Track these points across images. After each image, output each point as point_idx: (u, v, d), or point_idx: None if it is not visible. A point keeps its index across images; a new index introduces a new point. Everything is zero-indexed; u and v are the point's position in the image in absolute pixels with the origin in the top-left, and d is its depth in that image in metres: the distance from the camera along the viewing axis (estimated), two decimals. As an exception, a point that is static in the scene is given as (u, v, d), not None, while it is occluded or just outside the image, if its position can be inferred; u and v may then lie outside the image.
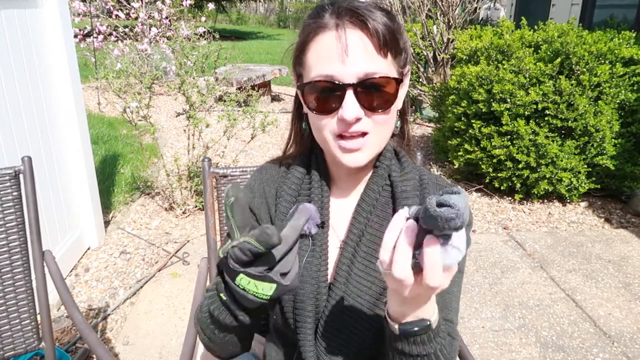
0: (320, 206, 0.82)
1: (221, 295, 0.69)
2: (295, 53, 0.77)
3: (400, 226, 0.56)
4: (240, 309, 0.68)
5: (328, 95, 0.72)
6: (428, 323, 0.63)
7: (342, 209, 0.85)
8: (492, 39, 3.52)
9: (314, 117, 0.76)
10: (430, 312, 0.64)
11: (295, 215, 0.66)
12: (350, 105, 0.70)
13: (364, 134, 0.73)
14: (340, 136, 0.74)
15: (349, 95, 0.70)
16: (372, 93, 0.71)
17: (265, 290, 0.62)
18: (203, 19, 6.27)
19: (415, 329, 0.63)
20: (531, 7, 7.76)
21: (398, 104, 0.79)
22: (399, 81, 0.73)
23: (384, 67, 0.71)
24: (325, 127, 0.74)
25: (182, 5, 6.07)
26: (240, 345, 0.79)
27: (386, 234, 0.57)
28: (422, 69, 5.15)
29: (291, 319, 0.81)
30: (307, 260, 0.80)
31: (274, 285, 0.62)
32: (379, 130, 0.74)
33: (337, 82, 0.70)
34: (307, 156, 0.87)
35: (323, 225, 0.82)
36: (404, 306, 0.62)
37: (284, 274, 0.63)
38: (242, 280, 0.62)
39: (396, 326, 0.64)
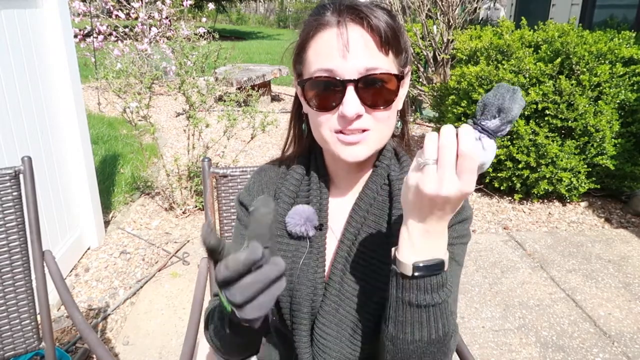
0: (319, 208, 0.82)
1: (225, 305, 0.62)
2: (296, 51, 0.77)
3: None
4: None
5: (328, 91, 0.72)
6: (441, 261, 0.62)
7: (340, 210, 0.85)
8: (492, 39, 3.52)
9: (314, 115, 0.76)
10: (442, 249, 0.62)
11: (251, 247, 0.53)
12: (351, 102, 0.70)
13: (364, 131, 0.73)
14: (340, 132, 0.73)
15: (350, 91, 0.70)
16: (373, 89, 0.71)
17: (225, 303, 0.57)
18: (204, 19, 6.27)
19: (430, 266, 0.61)
20: (531, 7, 7.76)
21: (398, 103, 0.79)
22: (400, 78, 0.73)
23: (385, 63, 0.71)
24: (325, 124, 0.74)
25: (182, 5, 6.07)
26: (249, 349, 0.78)
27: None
28: (422, 69, 5.15)
29: (288, 320, 0.81)
30: (304, 262, 0.80)
31: (229, 306, 0.57)
32: (379, 127, 0.74)
33: (337, 78, 0.70)
34: (306, 157, 0.87)
35: (321, 227, 0.81)
36: (419, 236, 0.61)
37: (244, 303, 0.54)
38: (222, 296, 0.58)
39: (409, 263, 0.61)
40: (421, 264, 0.61)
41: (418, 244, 0.61)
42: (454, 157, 0.55)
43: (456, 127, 0.56)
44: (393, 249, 0.65)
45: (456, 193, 0.56)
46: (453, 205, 0.58)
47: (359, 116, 0.71)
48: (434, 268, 0.61)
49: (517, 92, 0.56)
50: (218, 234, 0.59)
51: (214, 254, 0.55)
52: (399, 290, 0.63)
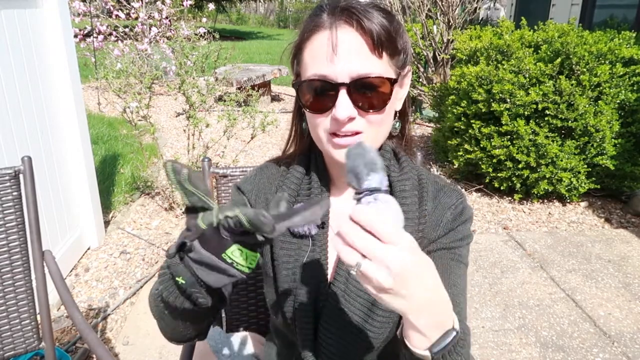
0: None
1: (178, 279, 0.61)
2: (293, 52, 0.78)
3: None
4: (202, 290, 0.62)
5: (322, 94, 0.72)
6: (455, 333, 0.57)
7: (342, 210, 0.85)
8: (492, 39, 3.52)
9: (310, 116, 0.76)
10: (449, 316, 0.58)
11: (313, 209, 0.56)
12: (343, 105, 0.70)
13: (356, 133, 0.73)
14: (334, 134, 0.74)
15: (342, 94, 0.70)
16: (366, 93, 0.71)
17: (252, 262, 0.58)
18: (204, 19, 6.27)
19: (446, 343, 0.56)
20: (531, 7, 7.76)
21: (397, 104, 0.79)
22: (393, 81, 0.73)
23: (378, 67, 0.71)
24: (319, 126, 0.75)
25: (182, 5, 6.07)
26: (193, 328, 0.75)
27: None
28: (422, 69, 5.15)
29: (291, 320, 0.81)
30: (306, 261, 0.80)
31: (258, 255, 0.58)
32: (372, 130, 0.74)
33: (330, 82, 0.70)
34: (306, 156, 0.87)
35: (323, 225, 0.82)
36: (419, 321, 0.55)
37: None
38: (235, 252, 0.57)
39: (427, 354, 0.56)
40: (437, 347, 0.56)
41: (425, 330, 0.56)
42: (371, 238, 0.50)
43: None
44: (398, 332, 0.62)
45: (404, 255, 0.50)
46: (418, 264, 0.52)
47: (351, 119, 0.72)
48: (450, 343, 0.57)
49: (362, 144, 0.57)
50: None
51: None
52: None
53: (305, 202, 0.62)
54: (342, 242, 0.51)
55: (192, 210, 0.59)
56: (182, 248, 0.60)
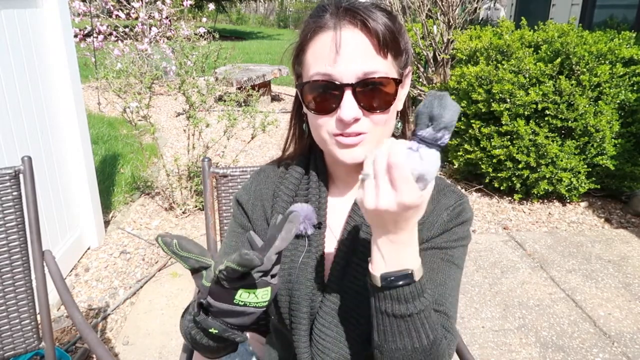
0: (318, 207, 0.82)
1: (211, 330, 0.68)
2: (295, 52, 0.77)
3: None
4: (236, 331, 0.68)
5: (326, 94, 0.71)
6: (410, 271, 0.62)
7: (340, 210, 0.85)
8: (492, 39, 3.52)
9: (313, 117, 0.76)
10: (411, 259, 0.63)
11: (286, 227, 0.63)
12: (349, 105, 0.70)
13: (361, 134, 0.73)
14: (339, 135, 0.73)
15: (348, 95, 0.70)
16: (371, 93, 0.70)
17: (264, 296, 0.64)
18: (204, 19, 6.27)
19: (398, 277, 0.62)
20: (531, 7, 7.76)
21: (398, 104, 0.79)
22: (398, 81, 0.73)
23: (383, 67, 0.71)
24: (323, 127, 0.74)
25: (183, 5, 6.07)
26: (232, 348, 0.79)
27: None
28: (422, 69, 5.15)
29: (287, 319, 0.81)
30: (302, 261, 0.80)
31: (269, 288, 0.65)
32: (377, 130, 0.74)
33: (335, 82, 0.70)
34: (306, 156, 0.87)
35: (320, 225, 0.81)
36: (385, 247, 0.62)
37: (272, 276, 0.65)
38: (242, 295, 0.64)
39: (378, 275, 0.63)
40: (390, 277, 0.62)
41: (386, 256, 0.62)
42: (383, 172, 0.56)
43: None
44: (368, 259, 0.66)
45: (394, 205, 0.56)
46: (403, 216, 0.58)
47: (356, 120, 0.71)
48: (403, 278, 0.62)
49: (445, 98, 0.56)
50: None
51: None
52: (376, 300, 0.65)
53: (273, 225, 0.67)
54: (370, 159, 0.57)
55: (195, 271, 0.67)
56: (201, 306, 0.68)
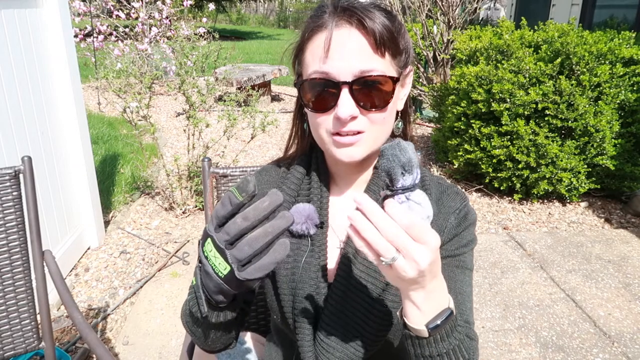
0: (319, 206, 0.82)
1: (193, 279, 0.66)
2: (294, 52, 0.78)
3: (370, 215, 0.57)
4: (203, 297, 0.65)
5: (324, 92, 0.72)
6: (450, 309, 0.62)
7: (342, 210, 0.85)
8: (492, 39, 3.52)
9: (312, 115, 0.76)
10: (445, 295, 0.63)
11: (262, 199, 0.58)
12: (346, 103, 0.70)
13: (358, 133, 0.73)
14: (337, 134, 0.74)
15: (345, 93, 0.70)
16: (368, 91, 0.71)
17: (220, 266, 0.58)
18: (204, 19, 6.27)
19: (443, 321, 0.61)
20: (531, 7, 7.76)
21: (398, 104, 0.79)
22: (395, 80, 0.73)
23: (380, 65, 0.71)
24: (322, 125, 0.75)
25: (183, 5, 6.07)
26: (222, 340, 0.78)
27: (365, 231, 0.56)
28: (422, 69, 5.15)
29: (290, 319, 0.81)
30: (305, 261, 0.80)
31: (228, 268, 0.58)
32: (374, 129, 0.74)
33: (332, 80, 0.70)
34: (307, 156, 0.87)
35: (322, 225, 0.81)
36: (423, 301, 0.61)
37: (243, 265, 0.57)
38: (208, 246, 0.59)
39: (422, 327, 0.62)
40: (434, 324, 0.62)
41: (425, 308, 0.61)
42: (407, 236, 0.55)
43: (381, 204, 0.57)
44: (398, 313, 0.66)
45: (431, 256, 0.56)
46: (436, 262, 0.59)
47: (353, 118, 0.72)
48: (445, 321, 0.62)
49: (400, 143, 0.58)
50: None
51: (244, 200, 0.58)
52: (417, 348, 0.64)
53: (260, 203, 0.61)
54: (378, 236, 0.55)
55: None
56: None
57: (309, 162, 0.86)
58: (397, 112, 0.80)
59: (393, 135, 0.83)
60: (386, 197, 0.58)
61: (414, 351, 0.65)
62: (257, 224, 0.57)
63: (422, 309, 0.61)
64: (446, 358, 0.64)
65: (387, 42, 0.71)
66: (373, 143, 0.76)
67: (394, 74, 0.73)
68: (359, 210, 0.56)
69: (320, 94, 0.73)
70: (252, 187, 0.57)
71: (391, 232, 0.55)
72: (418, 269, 0.56)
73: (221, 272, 0.58)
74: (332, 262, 0.83)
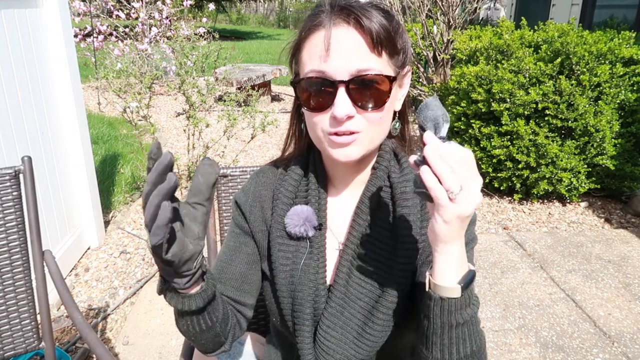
0: (318, 208, 0.82)
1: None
2: (292, 51, 0.78)
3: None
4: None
5: (321, 92, 0.72)
6: (473, 272, 0.65)
7: (340, 211, 0.85)
8: (492, 39, 3.52)
9: (308, 115, 0.76)
10: (466, 256, 0.66)
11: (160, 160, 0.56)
12: (342, 102, 0.70)
13: (354, 132, 0.73)
14: (334, 134, 0.73)
15: (341, 92, 0.70)
16: (365, 90, 0.71)
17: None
18: (204, 19, 6.27)
19: (469, 279, 0.64)
20: (531, 7, 7.76)
21: (396, 104, 0.79)
22: (392, 79, 0.73)
23: (377, 65, 0.71)
24: (318, 125, 0.74)
25: (183, 5, 6.07)
26: (207, 337, 0.78)
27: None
28: (422, 69, 5.15)
29: (290, 321, 0.81)
30: (304, 263, 0.80)
31: (149, 239, 0.58)
32: (371, 128, 0.74)
33: (329, 79, 0.70)
34: (305, 157, 0.87)
35: (320, 227, 0.81)
36: (458, 256, 0.63)
37: (149, 223, 0.56)
38: None
39: (457, 287, 0.63)
40: (464, 282, 0.63)
41: (459, 266, 0.63)
42: (466, 170, 0.59)
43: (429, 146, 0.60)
44: (427, 274, 0.66)
45: (480, 195, 0.60)
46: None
47: (350, 117, 0.71)
48: (471, 280, 0.64)
49: (437, 99, 0.64)
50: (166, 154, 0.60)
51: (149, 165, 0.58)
52: (445, 314, 0.64)
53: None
54: (449, 170, 0.58)
55: None
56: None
57: (306, 163, 0.86)
58: (395, 112, 0.80)
59: (390, 136, 0.83)
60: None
61: (440, 318, 0.65)
62: (153, 188, 0.56)
63: (458, 267, 0.63)
64: (466, 328, 0.65)
65: (384, 42, 0.71)
66: (369, 143, 0.75)
67: (391, 74, 0.73)
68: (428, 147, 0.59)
69: (316, 92, 0.72)
70: (154, 149, 0.56)
71: (455, 163, 0.58)
72: (475, 204, 0.59)
73: (149, 243, 0.59)
74: (331, 264, 0.82)
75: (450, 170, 0.58)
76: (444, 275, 0.63)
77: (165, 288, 0.69)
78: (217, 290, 0.75)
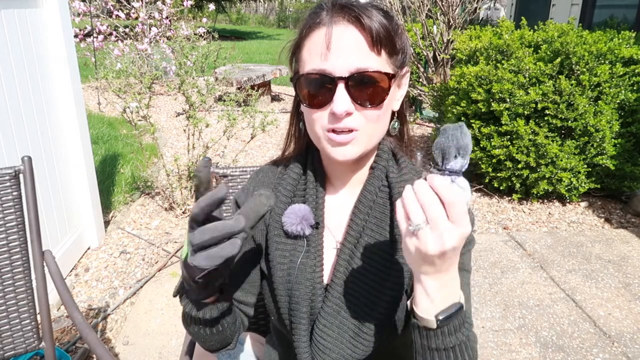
0: (315, 207, 0.82)
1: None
2: (292, 49, 0.78)
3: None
4: (185, 283, 0.67)
5: (320, 88, 0.72)
6: (460, 303, 0.63)
7: (338, 210, 0.85)
8: (492, 39, 3.52)
9: (307, 112, 0.76)
10: (458, 289, 0.64)
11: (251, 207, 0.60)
12: (341, 99, 0.70)
13: (353, 131, 0.73)
14: (332, 131, 0.74)
15: (340, 88, 0.71)
16: (364, 87, 0.71)
17: (184, 249, 0.61)
18: (204, 19, 6.27)
19: (452, 313, 0.61)
20: (531, 7, 7.76)
21: (395, 104, 0.79)
22: (391, 77, 0.73)
23: (376, 63, 0.72)
24: (317, 122, 0.75)
25: (183, 5, 6.07)
26: (216, 339, 0.78)
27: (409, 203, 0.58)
28: (422, 69, 5.15)
29: (287, 320, 0.81)
30: (301, 261, 0.80)
31: (186, 251, 0.60)
32: (369, 126, 0.74)
33: (328, 75, 0.71)
34: (303, 156, 0.87)
35: (317, 226, 0.81)
36: (436, 289, 0.61)
37: (196, 251, 0.58)
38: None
39: (431, 318, 0.62)
40: (443, 315, 0.62)
41: (436, 298, 0.61)
42: (442, 210, 0.56)
43: (424, 179, 0.58)
44: (408, 302, 0.66)
45: (458, 240, 0.56)
46: (459, 250, 0.59)
47: (348, 114, 0.72)
48: (455, 314, 0.62)
49: (463, 127, 0.58)
50: (210, 171, 0.63)
51: (200, 187, 0.60)
52: (424, 339, 0.64)
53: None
54: (412, 199, 0.57)
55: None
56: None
57: (305, 163, 0.86)
58: (394, 112, 0.80)
59: (389, 136, 0.83)
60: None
61: (420, 342, 0.65)
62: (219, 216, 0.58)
63: (433, 298, 0.61)
64: (452, 353, 0.64)
65: (384, 40, 0.71)
66: (367, 141, 0.76)
67: (390, 72, 0.74)
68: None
69: (316, 89, 0.73)
70: (201, 172, 0.58)
71: (427, 200, 0.56)
72: (441, 248, 0.56)
73: (182, 255, 0.61)
74: (328, 263, 0.83)
75: (418, 206, 0.56)
76: (419, 304, 0.63)
77: (183, 293, 0.72)
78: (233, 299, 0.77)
